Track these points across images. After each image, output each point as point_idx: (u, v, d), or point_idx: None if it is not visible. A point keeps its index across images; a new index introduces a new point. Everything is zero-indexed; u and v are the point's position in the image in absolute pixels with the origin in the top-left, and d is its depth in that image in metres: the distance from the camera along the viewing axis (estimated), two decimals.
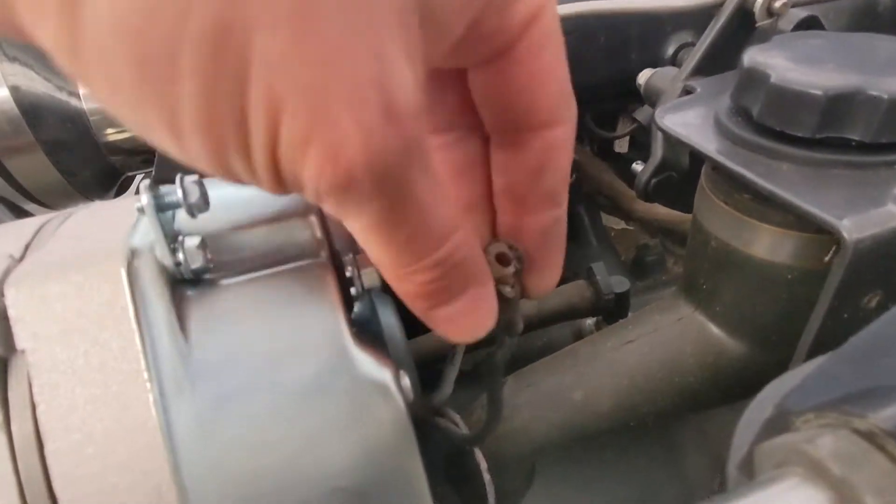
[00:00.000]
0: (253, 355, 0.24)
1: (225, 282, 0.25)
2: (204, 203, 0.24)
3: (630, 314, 0.57)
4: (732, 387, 0.45)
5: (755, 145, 0.35)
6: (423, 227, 0.17)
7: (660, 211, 0.58)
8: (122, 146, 0.58)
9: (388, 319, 0.33)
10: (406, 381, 0.28)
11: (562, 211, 0.22)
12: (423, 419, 0.42)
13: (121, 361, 0.23)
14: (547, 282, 0.23)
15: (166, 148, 0.16)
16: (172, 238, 0.25)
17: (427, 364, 0.54)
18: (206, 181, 0.26)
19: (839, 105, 0.31)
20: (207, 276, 0.25)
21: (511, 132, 0.20)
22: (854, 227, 0.29)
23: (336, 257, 0.28)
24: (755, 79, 0.34)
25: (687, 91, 0.45)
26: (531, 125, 0.20)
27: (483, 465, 0.44)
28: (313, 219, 0.27)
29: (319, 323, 0.25)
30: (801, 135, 0.33)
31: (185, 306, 0.24)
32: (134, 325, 0.23)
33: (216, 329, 0.24)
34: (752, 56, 0.35)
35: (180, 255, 0.24)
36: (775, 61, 0.34)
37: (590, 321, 0.60)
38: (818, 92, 0.31)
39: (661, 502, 0.53)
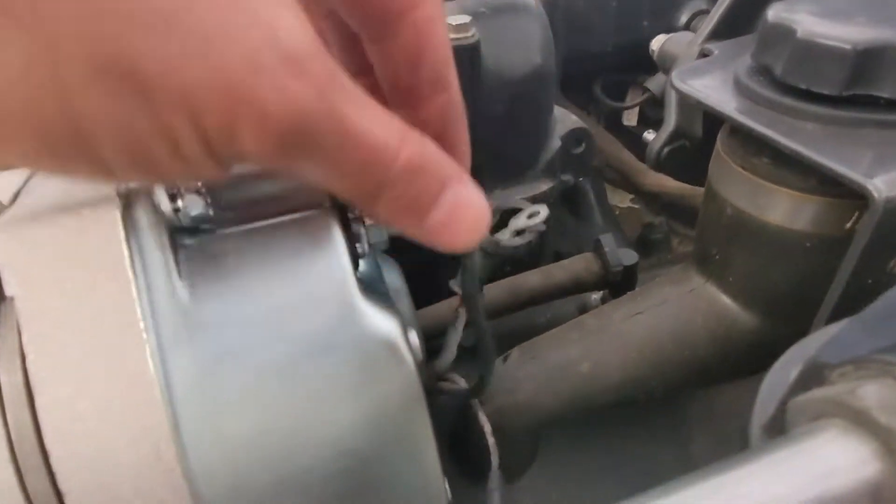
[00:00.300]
0: (255, 308, 0.23)
1: (226, 231, 0.24)
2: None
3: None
4: (743, 360, 0.44)
5: (778, 105, 0.34)
6: (370, 150, 0.17)
7: (669, 184, 0.57)
8: None
9: (394, 282, 0.32)
10: (414, 337, 0.26)
11: (454, 92, 0.21)
12: (427, 387, 0.41)
13: (116, 311, 0.22)
14: (462, 164, 0.23)
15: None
16: (172, 185, 0.23)
17: (428, 337, 0.53)
18: None
19: (869, 60, 0.30)
20: (207, 224, 0.23)
21: (378, 24, 0.20)
22: (884, 186, 0.27)
23: (342, 210, 0.27)
24: (780, 34, 0.33)
25: (704, 55, 0.43)
26: (394, 11, 0.19)
27: (487, 428, 0.43)
28: None
29: (326, 275, 0.23)
30: (827, 92, 0.32)
31: (184, 255, 0.23)
32: (130, 273, 0.22)
33: (217, 280, 0.23)
34: (777, 11, 0.34)
35: (179, 201, 0.23)
36: (801, 16, 0.33)
37: (595, 295, 0.59)
38: (847, 46, 0.30)
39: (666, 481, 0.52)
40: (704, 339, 0.43)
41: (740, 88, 0.36)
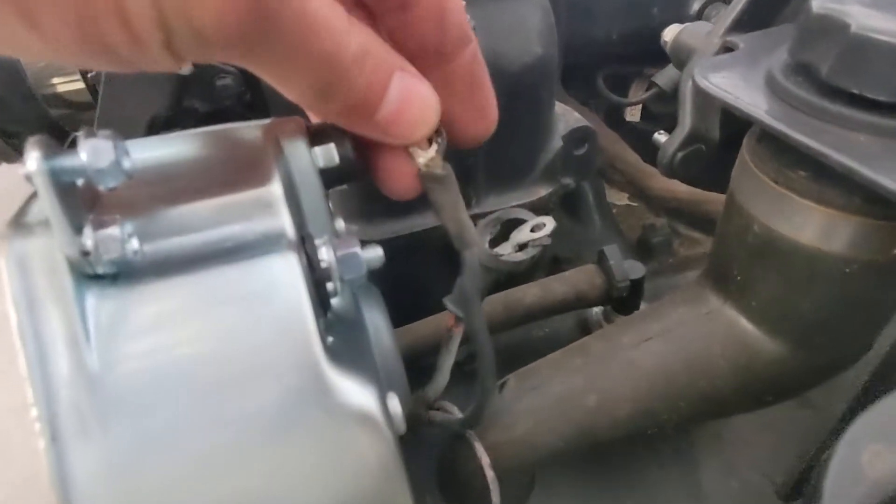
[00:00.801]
0: (191, 382, 0.17)
1: (154, 280, 0.19)
2: (120, 169, 0.17)
3: (641, 304, 0.52)
4: (765, 392, 0.40)
5: (822, 111, 0.29)
6: (330, 39, 0.17)
7: (680, 188, 0.52)
8: (67, 98, 0.50)
9: (376, 319, 0.27)
10: (395, 404, 0.22)
11: (474, 42, 0.23)
12: (417, 416, 0.37)
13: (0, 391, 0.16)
14: (490, 117, 0.25)
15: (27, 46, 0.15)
16: (78, 218, 0.18)
17: (419, 355, 0.48)
18: (128, 142, 0.19)
19: None
20: (128, 270, 0.18)
21: None
22: None
23: (307, 242, 0.22)
24: (827, 28, 0.28)
25: (727, 48, 0.38)
26: None
27: (486, 461, 0.38)
28: (276, 189, 0.20)
29: (283, 337, 0.18)
30: (884, 99, 0.27)
31: (96, 313, 0.18)
32: (17, 341, 0.16)
33: (140, 344, 0.18)
34: (823, 1, 0.29)
35: (89, 242, 0.18)
36: (853, 7, 0.28)
37: (596, 310, 0.54)
38: None
39: None
40: (723, 368, 0.39)
41: (775, 89, 0.31)
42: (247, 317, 0.18)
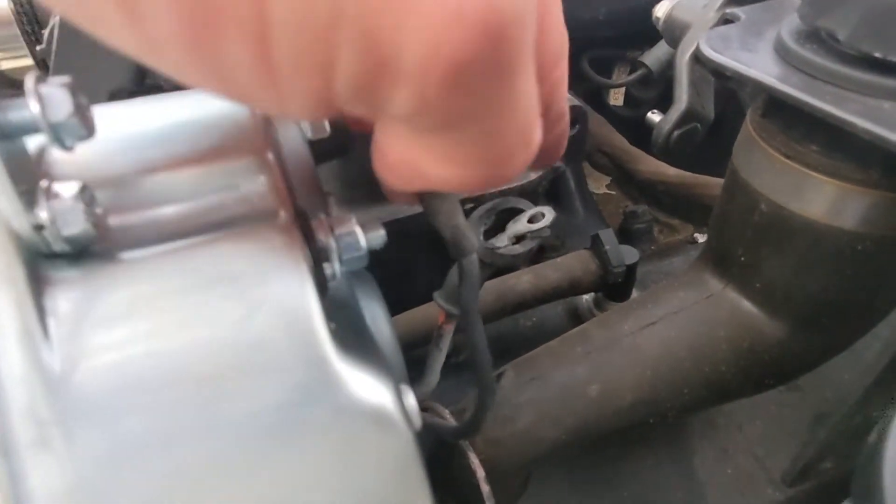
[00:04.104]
0: (174, 379, 0.14)
1: (126, 256, 0.15)
2: (80, 124, 0.14)
3: (635, 291, 0.50)
4: (766, 376, 0.39)
5: (843, 78, 0.27)
6: (524, 119, 0.14)
7: (669, 172, 0.51)
8: (11, 77, 0.45)
9: (374, 310, 0.24)
10: (410, 398, 0.19)
11: (565, 106, 0.21)
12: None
13: None
14: (559, 146, 0.22)
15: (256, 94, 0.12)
16: (30, 185, 0.15)
17: (407, 346, 0.45)
18: (94, 106, 0.16)
19: None
20: (95, 247, 0.15)
21: None
22: None
23: (302, 218, 0.19)
24: None
25: (727, 21, 0.37)
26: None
27: (481, 473, 0.36)
28: (270, 157, 0.17)
29: (284, 325, 0.15)
30: None
31: (55, 300, 0.15)
32: None
33: (110, 336, 0.15)
34: None
35: (44, 215, 0.14)
36: None
37: (587, 298, 0.53)
38: None
39: (666, 500, 0.47)
40: (726, 352, 0.37)
41: (788, 57, 0.30)
42: (240, 301, 0.15)
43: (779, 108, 0.32)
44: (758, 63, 0.31)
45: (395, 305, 0.46)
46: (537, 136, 0.16)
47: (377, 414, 0.16)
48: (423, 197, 0.22)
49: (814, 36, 0.30)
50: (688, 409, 0.39)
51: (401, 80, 0.12)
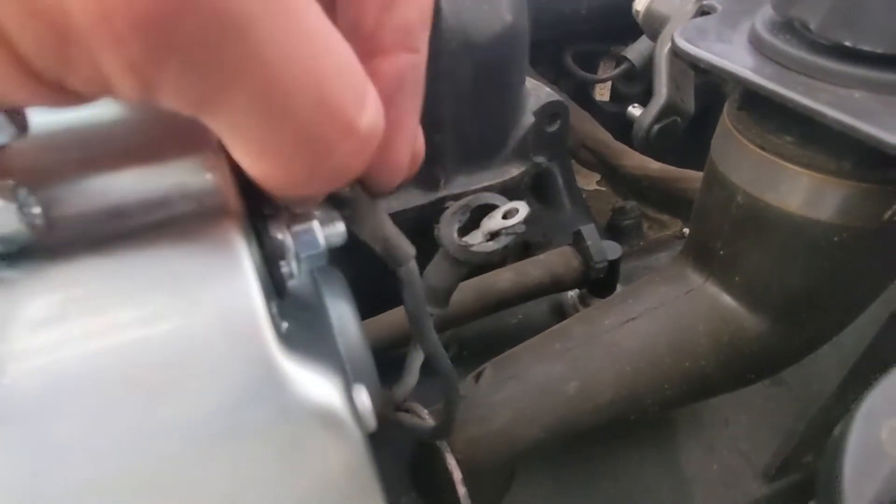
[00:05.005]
0: (108, 381, 0.14)
1: (62, 260, 0.15)
2: (10, 122, 0.14)
3: (619, 286, 0.50)
4: (748, 370, 0.38)
5: (814, 68, 0.27)
6: (333, 82, 0.12)
7: (652, 166, 0.50)
8: None
9: (340, 306, 0.24)
10: (363, 397, 0.19)
11: (420, 57, 0.17)
12: (384, 416, 0.34)
13: None
14: (398, 165, 0.18)
15: None
16: None
17: (385, 347, 0.45)
18: None
19: None
20: (28, 249, 0.15)
21: None
22: None
23: (256, 215, 0.19)
24: None
25: (704, 12, 0.37)
26: None
27: (457, 475, 0.36)
28: (215, 153, 0.17)
29: (226, 324, 0.15)
30: (881, 51, 0.25)
31: None
32: None
33: (42, 339, 0.14)
34: None
35: None
36: None
37: (572, 294, 0.52)
38: None
39: (653, 498, 0.46)
40: (706, 347, 0.37)
41: (762, 48, 0.29)
42: (179, 300, 0.15)
43: (754, 100, 0.32)
44: (732, 54, 0.30)
45: (377, 305, 0.46)
46: (363, 114, 0.13)
47: (324, 414, 0.16)
48: (342, 207, 0.20)
49: (787, 26, 0.29)
50: (669, 404, 0.39)
51: (83, 42, 0.10)
